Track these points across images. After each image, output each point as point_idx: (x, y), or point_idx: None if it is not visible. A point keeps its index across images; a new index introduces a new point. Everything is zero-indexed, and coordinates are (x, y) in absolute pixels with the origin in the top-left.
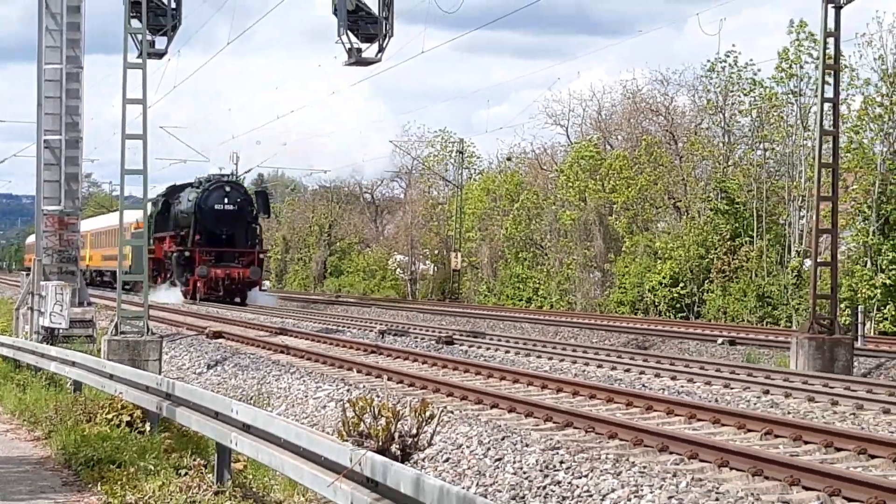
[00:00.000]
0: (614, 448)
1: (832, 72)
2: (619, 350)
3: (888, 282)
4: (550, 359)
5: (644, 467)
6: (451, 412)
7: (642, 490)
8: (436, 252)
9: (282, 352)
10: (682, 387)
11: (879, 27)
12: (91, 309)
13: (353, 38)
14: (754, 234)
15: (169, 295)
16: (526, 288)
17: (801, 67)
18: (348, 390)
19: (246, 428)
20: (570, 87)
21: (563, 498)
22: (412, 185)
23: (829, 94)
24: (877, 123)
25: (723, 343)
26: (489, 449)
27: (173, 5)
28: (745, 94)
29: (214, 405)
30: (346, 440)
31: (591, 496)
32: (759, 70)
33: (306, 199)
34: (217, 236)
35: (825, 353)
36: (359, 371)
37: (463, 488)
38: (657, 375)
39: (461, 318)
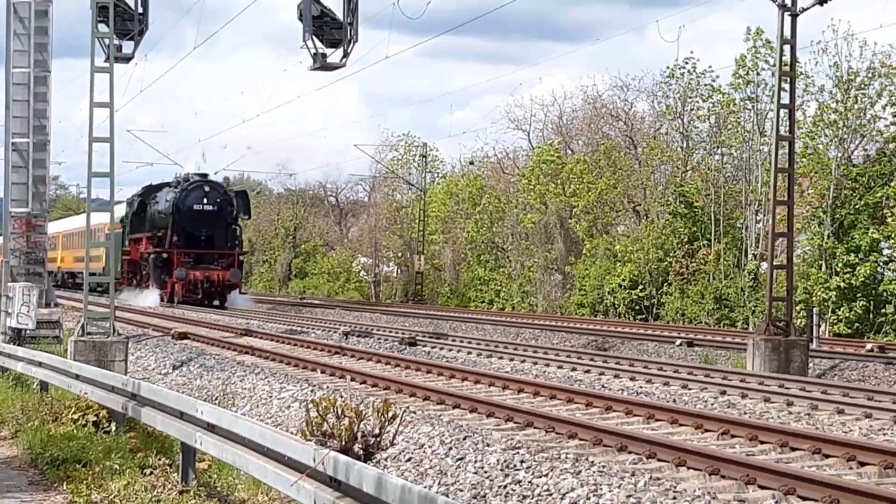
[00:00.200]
0: (574, 448)
1: (788, 78)
2: (580, 351)
3: (842, 284)
4: (512, 360)
5: (603, 466)
6: (414, 412)
7: (601, 489)
8: (399, 255)
9: (247, 353)
10: (641, 387)
11: (835, 35)
12: (58, 310)
13: (318, 44)
14: (712, 238)
15: (146, 298)
16: (488, 290)
17: (758, 74)
18: (312, 391)
19: (211, 428)
20: (531, 93)
21: (524, 497)
22: (376, 189)
23: (786, 100)
24: (831, 129)
25: (681, 344)
26: (451, 448)
27: (140, 10)
28: (704, 101)
29: (179, 405)
30: (310, 440)
31: (551, 495)
32: (717, 77)
33: (272, 202)
34: (196, 237)
35: (781, 355)
36: (323, 372)
37: (425, 487)
38: (616, 376)
39: (424, 320)
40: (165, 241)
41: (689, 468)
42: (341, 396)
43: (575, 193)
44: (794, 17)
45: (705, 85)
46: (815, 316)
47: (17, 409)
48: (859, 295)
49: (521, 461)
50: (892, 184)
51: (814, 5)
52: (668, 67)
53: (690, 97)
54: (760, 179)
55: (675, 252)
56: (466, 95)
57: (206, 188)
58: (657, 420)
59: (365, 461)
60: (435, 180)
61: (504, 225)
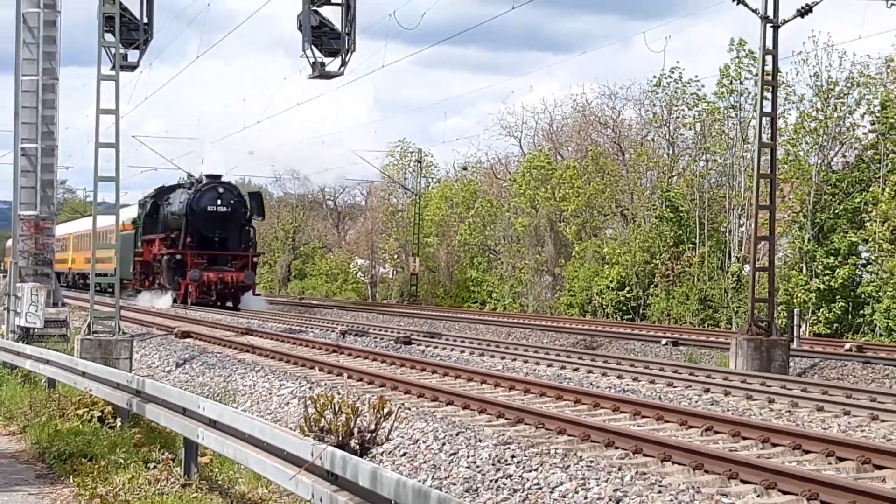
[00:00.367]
0: (563, 443)
1: (770, 88)
2: (569, 350)
3: (822, 286)
4: (503, 358)
5: (591, 461)
6: (409, 409)
7: (589, 483)
8: (395, 257)
9: (247, 351)
10: (628, 385)
11: (815, 46)
12: (65, 310)
13: (317, 53)
14: (697, 241)
15: (159, 299)
16: (480, 291)
17: (742, 83)
18: (310, 388)
19: (212, 423)
20: (523, 101)
21: (514, 490)
22: (373, 193)
23: (768, 108)
24: (812, 137)
25: (666, 344)
26: (444, 444)
27: (145, 20)
28: (690, 109)
29: (182, 402)
30: (308, 435)
31: (540, 489)
32: (703, 86)
33: (271, 206)
34: (209, 239)
35: (763, 354)
36: (321, 369)
37: (419, 481)
38: (604, 374)
39: (419, 320)
40: (179, 242)
41: (674, 463)
42: (339, 393)
43: (564, 198)
44: (776, 28)
45: (691, 94)
46: (795, 316)
47: (25, 405)
48: (838, 296)
49: (512, 456)
50: (870, 189)
51: (795, 17)
52: (654, 77)
53: (676, 105)
54: (743, 185)
55: (661, 255)
56: (460, 103)
57: (220, 189)
58: (643, 417)
59: (361, 456)
60: (429, 185)
61: (496, 228)
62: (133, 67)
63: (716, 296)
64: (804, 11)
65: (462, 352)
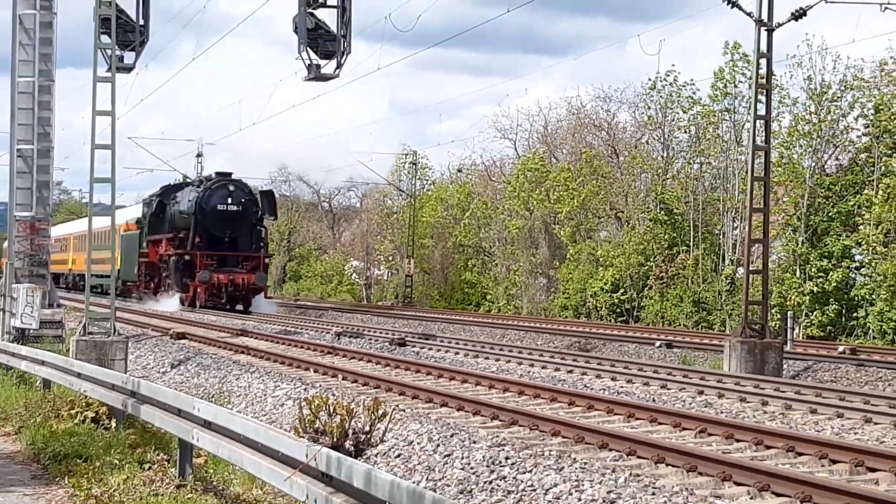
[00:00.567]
0: (557, 445)
1: (764, 91)
2: (563, 352)
3: (816, 289)
4: (497, 360)
5: (585, 463)
6: (403, 410)
7: (583, 485)
8: (390, 258)
9: (242, 352)
10: (622, 387)
11: (809, 49)
12: (60, 311)
13: (313, 55)
14: (691, 243)
15: (166, 302)
16: (475, 293)
17: (736, 86)
18: (305, 389)
19: (207, 424)
20: (518, 103)
21: (509, 492)
22: (368, 195)
23: (762, 111)
24: (805, 140)
25: (660, 346)
26: (439, 445)
27: (141, 22)
28: (684, 112)
29: (177, 403)
30: (303, 436)
31: (534, 490)
32: (697, 90)
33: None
34: (219, 239)
35: (756, 356)
36: (315, 371)
37: (413, 482)
38: (598, 376)
39: (414, 322)
40: (187, 242)
41: (667, 465)
42: (333, 395)
43: (559, 200)
44: (770, 32)
45: (686, 97)
46: (789, 319)
47: (20, 405)
48: (832, 299)
49: (506, 458)
50: (863, 192)
51: (789, 21)
52: (649, 79)
53: (671, 108)
54: (737, 187)
55: (655, 257)
56: (456, 105)
57: (231, 187)
58: (637, 419)
59: (356, 457)
60: (424, 187)
61: (491, 230)
62: (129, 69)
63: (710, 298)
64: (798, 15)
65: (457, 353)
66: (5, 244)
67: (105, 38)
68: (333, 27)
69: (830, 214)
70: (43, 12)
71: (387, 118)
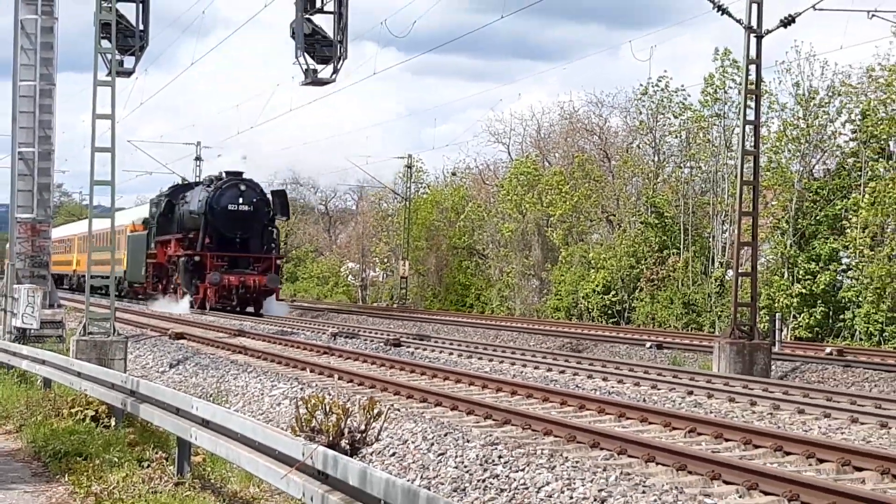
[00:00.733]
0: (549, 444)
1: (753, 96)
2: (555, 353)
3: (804, 291)
4: (491, 360)
5: (577, 462)
6: (398, 410)
7: (575, 483)
8: (385, 260)
9: (240, 352)
10: (613, 387)
11: (797, 55)
12: (61, 311)
13: (310, 60)
14: (681, 246)
15: (175, 304)
16: (469, 294)
17: (726, 92)
18: (302, 389)
19: (205, 423)
20: (511, 108)
21: (502, 490)
22: (363, 198)
23: (751, 116)
24: (794, 144)
25: (651, 347)
26: (433, 444)
27: (141, 27)
28: (676, 117)
29: (176, 402)
30: (299, 435)
31: (527, 488)
32: (688, 95)
33: None
34: (230, 239)
35: (745, 357)
36: (312, 371)
37: (408, 481)
38: (590, 377)
39: (408, 322)
40: (197, 243)
41: (657, 464)
42: (329, 394)
43: (551, 203)
44: (760, 38)
45: (678, 102)
46: (777, 321)
47: (21, 404)
48: (819, 301)
49: (500, 456)
50: (851, 196)
51: (778, 27)
52: (641, 85)
53: (662, 113)
54: (727, 191)
55: (646, 259)
56: (450, 110)
57: (242, 187)
58: (628, 418)
59: (351, 456)
60: (419, 190)
61: (484, 233)
62: (129, 73)
63: (699, 300)
64: (787, 22)
65: (451, 354)
66: (7, 245)
67: (105, 43)
68: (330, 32)
69: (818, 218)
70: (44, 17)
71: (391, 120)
